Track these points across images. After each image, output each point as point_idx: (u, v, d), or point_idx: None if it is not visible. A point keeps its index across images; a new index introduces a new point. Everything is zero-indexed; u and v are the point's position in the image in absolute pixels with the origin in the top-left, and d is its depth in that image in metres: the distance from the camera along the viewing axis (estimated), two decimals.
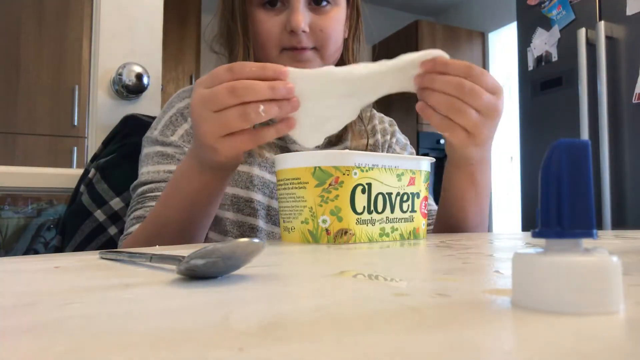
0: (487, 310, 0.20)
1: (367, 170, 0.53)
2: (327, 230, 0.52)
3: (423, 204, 0.60)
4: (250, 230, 0.72)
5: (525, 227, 2.34)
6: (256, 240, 0.28)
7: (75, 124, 2.31)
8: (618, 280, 0.19)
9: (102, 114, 1.34)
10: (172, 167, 0.71)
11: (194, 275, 0.28)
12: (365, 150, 0.82)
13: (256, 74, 0.47)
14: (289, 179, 0.55)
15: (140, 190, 0.71)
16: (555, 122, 2.12)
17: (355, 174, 0.52)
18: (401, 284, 0.26)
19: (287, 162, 0.55)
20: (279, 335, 0.17)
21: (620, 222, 1.86)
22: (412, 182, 0.58)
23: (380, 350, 0.15)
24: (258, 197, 0.73)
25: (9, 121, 2.22)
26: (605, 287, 0.19)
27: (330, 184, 0.51)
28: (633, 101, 1.86)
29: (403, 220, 0.57)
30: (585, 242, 0.20)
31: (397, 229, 0.57)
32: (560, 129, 2.09)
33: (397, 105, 3.74)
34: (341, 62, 0.79)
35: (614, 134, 1.91)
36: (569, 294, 0.19)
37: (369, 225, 0.54)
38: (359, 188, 0.52)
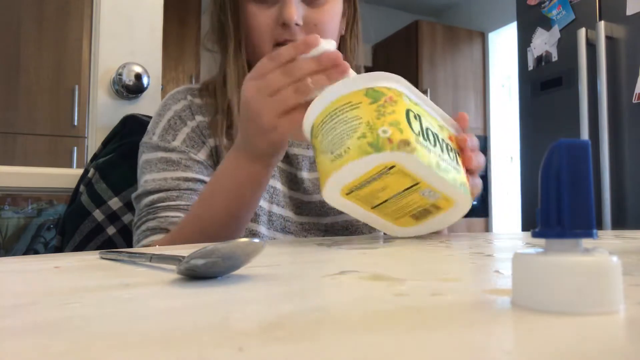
0: (487, 310, 0.20)
1: (414, 104, 0.50)
2: (389, 139, 0.46)
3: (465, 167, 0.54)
4: (252, 237, 0.72)
5: (525, 227, 2.34)
6: (256, 240, 0.28)
7: (75, 124, 2.31)
8: (618, 280, 0.19)
9: (102, 114, 1.34)
10: (180, 174, 0.69)
11: (194, 275, 0.28)
12: None
13: (293, 54, 0.52)
14: (336, 109, 0.49)
15: (148, 200, 0.68)
16: (555, 122, 2.12)
17: (406, 100, 0.49)
18: (401, 284, 0.26)
19: (327, 96, 0.49)
20: (279, 335, 0.17)
21: (620, 222, 1.86)
22: (451, 139, 0.53)
23: (380, 350, 0.15)
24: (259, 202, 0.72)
25: (9, 121, 2.22)
26: (605, 287, 0.19)
27: (385, 101, 0.48)
28: (633, 101, 1.86)
29: (451, 167, 0.51)
30: (585, 242, 0.20)
31: (448, 172, 0.50)
32: (560, 129, 2.08)
33: None
34: None
35: (614, 134, 1.90)
36: (569, 294, 0.19)
37: (425, 150, 0.48)
38: (412, 114, 0.48)
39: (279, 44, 0.71)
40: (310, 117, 0.51)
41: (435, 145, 0.49)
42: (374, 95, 0.48)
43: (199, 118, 0.74)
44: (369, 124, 0.47)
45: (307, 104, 0.51)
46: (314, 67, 0.51)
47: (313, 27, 0.70)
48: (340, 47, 0.78)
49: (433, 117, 0.52)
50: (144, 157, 0.73)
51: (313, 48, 0.51)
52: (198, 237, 0.59)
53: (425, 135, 0.49)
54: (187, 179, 0.69)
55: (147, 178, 0.70)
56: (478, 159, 0.55)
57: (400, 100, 0.48)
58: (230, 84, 0.72)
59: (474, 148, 0.56)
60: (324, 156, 0.50)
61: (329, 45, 0.51)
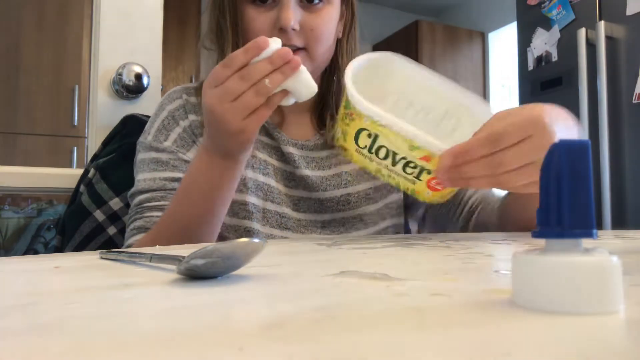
0: (487, 310, 0.20)
1: (378, 125, 0.55)
2: (337, 139, 0.60)
3: (434, 182, 0.57)
4: (247, 234, 0.72)
5: None
6: (256, 240, 0.28)
7: (75, 124, 2.31)
8: (618, 280, 0.19)
9: (102, 114, 1.34)
10: (167, 174, 0.71)
11: (194, 275, 0.28)
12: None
13: (246, 59, 0.55)
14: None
15: (137, 200, 0.71)
16: None
17: (366, 120, 0.55)
18: (401, 284, 0.26)
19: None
20: (279, 335, 0.17)
21: (620, 222, 1.86)
22: (426, 159, 0.55)
23: (380, 350, 0.15)
24: (252, 199, 0.72)
25: (9, 121, 2.22)
26: (605, 287, 0.19)
27: (347, 114, 0.57)
28: (633, 101, 1.86)
29: (403, 178, 0.58)
30: (585, 242, 0.20)
31: (394, 178, 0.59)
32: None
33: None
34: (334, 62, 0.78)
35: (614, 134, 1.90)
36: (569, 294, 0.19)
37: (367, 160, 0.58)
38: (365, 132, 0.56)
39: None
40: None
41: (385, 158, 0.57)
42: (347, 105, 0.57)
43: (192, 117, 0.75)
44: (338, 122, 0.60)
45: (268, 100, 0.56)
46: (269, 67, 0.54)
47: (309, 31, 0.70)
48: (337, 50, 0.78)
49: (406, 138, 0.55)
50: (139, 156, 0.75)
51: (263, 50, 0.55)
52: (175, 234, 0.61)
53: (374, 151, 0.57)
54: (173, 179, 0.71)
55: (140, 177, 0.72)
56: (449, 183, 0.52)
57: (356, 121, 0.56)
58: None
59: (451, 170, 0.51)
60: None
61: (276, 44, 0.56)
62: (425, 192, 0.59)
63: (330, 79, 0.81)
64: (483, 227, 0.76)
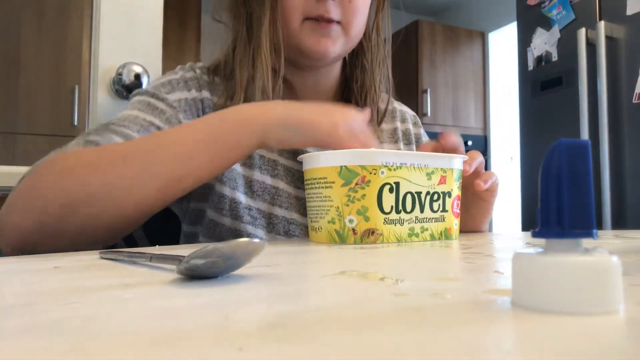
0: (487, 310, 0.20)
1: (394, 169, 0.52)
2: (353, 230, 0.51)
3: (455, 204, 0.58)
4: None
5: (525, 227, 2.34)
6: (256, 240, 0.28)
7: (75, 124, 2.31)
8: (618, 280, 0.19)
9: (102, 114, 1.34)
10: (156, 121, 0.62)
11: (194, 275, 0.28)
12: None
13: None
14: (316, 179, 0.54)
15: (105, 122, 0.61)
16: (555, 122, 2.12)
17: (383, 172, 0.51)
18: (401, 284, 0.26)
19: (314, 161, 0.54)
20: (279, 335, 0.17)
21: (620, 222, 1.86)
22: (442, 180, 0.56)
23: (380, 350, 0.15)
24: (258, 204, 0.68)
25: (9, 121, 2.21)
26: (605, 287, 0.19)
27: (356, 183, 0.51)
28: (633, 101, 1.86)
29: (433, 220, 0.56)
30: (585, 242, 0.20)
31: (427, 229, 0.55)
32: (560, 129, 2.08)
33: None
34: (360, 43, 0.75)
35: (614, 134, 1.90)
36: (569, 294, 0.19)
37: (397, 225, 0.53)
38: (387, 187, 0.51)
39: (308, 19, 0.67)
40: (304, 167, 0.57)
41: (412, 210, 0.54)
42: (347, 175, 0.51)
43: (205, 94, 0.69)
44: (338, 210, 0.51)
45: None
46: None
47: (347, 3, 0.67)
48: (370, 32, 0.75)
49: (420, 167, 0.54)
50: (128, 104, 0.67)
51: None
52: (121, 167, 0.51)
53: (400, 206, 0.53)
54: (159, 129, 0.62)
55: (118, 116, 0.63)
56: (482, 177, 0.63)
57: (374, 177, 0.51)
58: (262, 55, 0.66)
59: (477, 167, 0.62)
60: (307, 214, 0.57)
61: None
62: (453, 224, 0.58)
63: (355, 62, 0.77)
64: None
